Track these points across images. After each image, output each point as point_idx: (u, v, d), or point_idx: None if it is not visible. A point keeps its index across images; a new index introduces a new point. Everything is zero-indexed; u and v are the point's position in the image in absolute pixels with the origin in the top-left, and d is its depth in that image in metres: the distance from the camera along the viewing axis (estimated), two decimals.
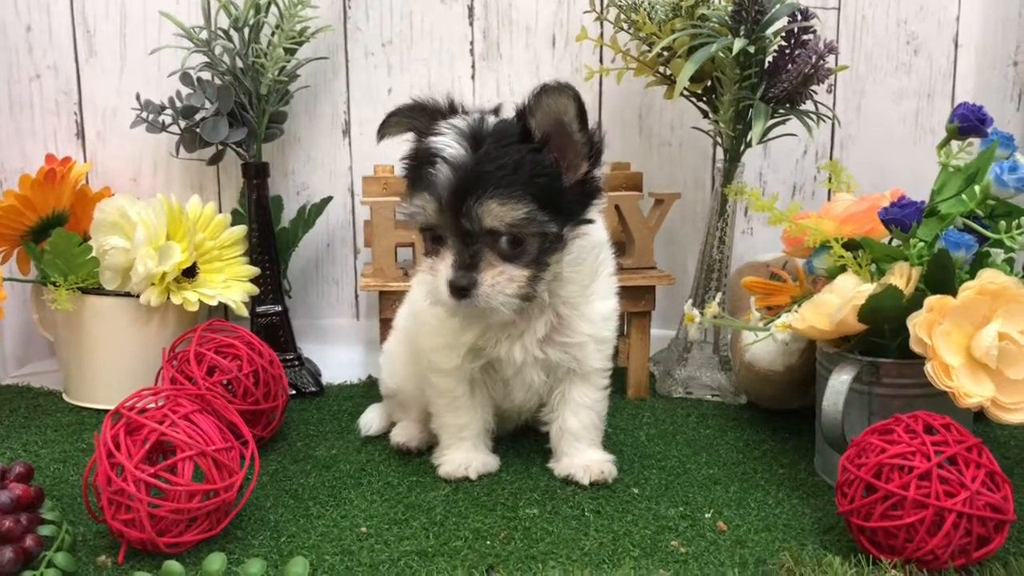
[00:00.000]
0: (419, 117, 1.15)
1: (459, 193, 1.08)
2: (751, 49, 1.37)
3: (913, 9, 1.76)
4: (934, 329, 1.09)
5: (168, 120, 1.55)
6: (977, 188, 1.16)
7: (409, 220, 1.15)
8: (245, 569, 0.94)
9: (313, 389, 1.60)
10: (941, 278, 1.13)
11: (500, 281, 1.10)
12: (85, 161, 1.69)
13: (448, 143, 1.09)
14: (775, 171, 1.80)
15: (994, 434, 1.38)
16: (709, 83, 1.51)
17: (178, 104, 1.54)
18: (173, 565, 0.93)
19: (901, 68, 1.78)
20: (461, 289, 1.10)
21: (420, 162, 1.12)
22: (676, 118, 1.74)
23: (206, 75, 1.56)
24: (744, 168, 1.55)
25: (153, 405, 1.10)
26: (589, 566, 0.98)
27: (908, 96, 1.78)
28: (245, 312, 1.56)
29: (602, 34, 1.64)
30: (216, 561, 0.94)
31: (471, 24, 1.72)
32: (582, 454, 1.25)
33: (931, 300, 1.09)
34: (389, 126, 1.19)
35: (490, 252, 1.11)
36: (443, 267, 1.11)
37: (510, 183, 1.08)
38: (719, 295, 1.48)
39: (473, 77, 1.74)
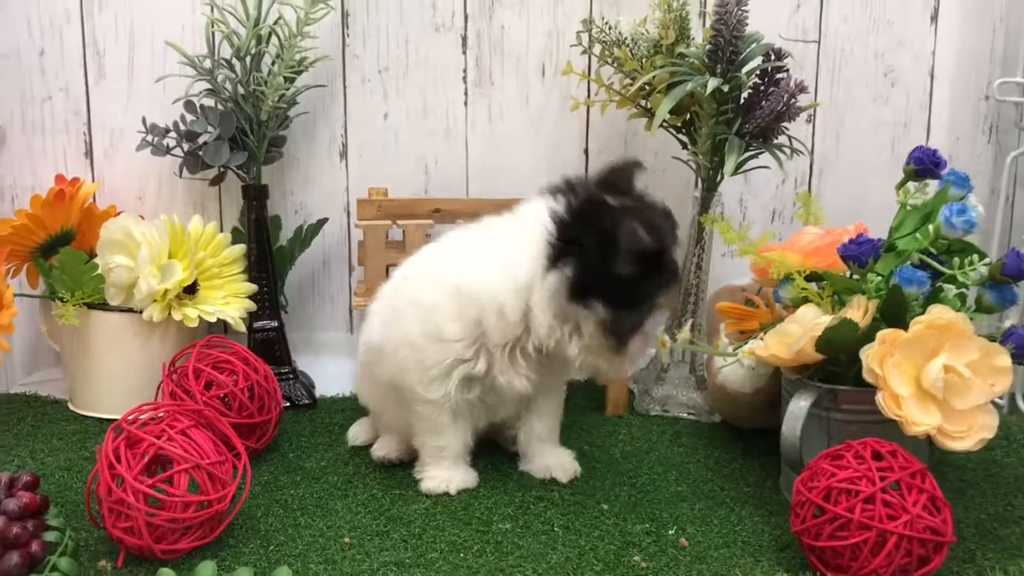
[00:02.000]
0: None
1: None
2: (725, 88, 1.44)
3: (891, 43, 1.83)
4: (885, 360, 1.16)
5: (172, 143, 1.62)
6: (931, 227, 1.23)
7: (654, 310, 1.24)
8: None
9: (306, 401, 1.67)
10: (895, 312, 1.20)
11: None
12: (93, 179, 1.76)
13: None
14: (755, 197, 1.87)
15: (953, 458, 1.44)
16: (688, 116, 1.58)
17: (182, 128, 1.62)
18: (167, 572, 1.00)
19: (879, 99, 1.85)
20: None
21: (662, 257, 1.22)
22: (660, 146, 1.81)
23: (209, 101, 1.63)
24: (721, 196, 1.62)
25: (152, 419, 1.18)
26: None
27: (885, 126, 1.85)
28: (243, 328, 1.63)
29: (589, 67, 1.71)
30: (207, 569, 1.02)
31: (464, 53, 1.80)
32: (551, 454, 1.38)
33: (883, 333, 1.16)
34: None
35: None
36: (642, 338, 1.26)
37: None
38: (691, 321, 1.55)
39: (466, 103, 1.81)
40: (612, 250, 1.16)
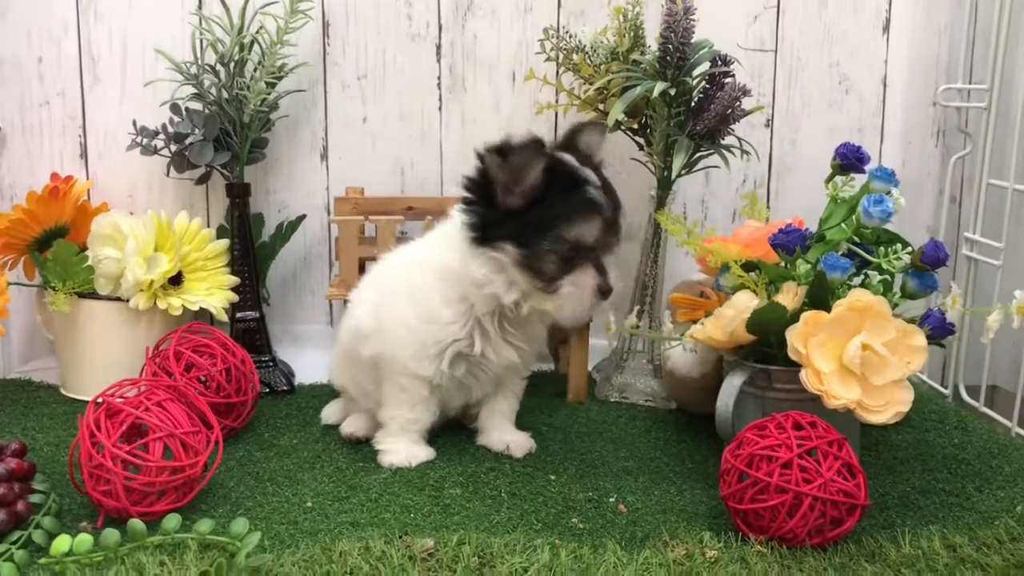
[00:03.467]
0: (535, 152, 1.27)
1: (614, 212, 1.30)
2: (672, 91, 1.54)
3: (844, 52, 1.93)
4: (809, 340, 1.25)
5: (160, 144, 1.73)
6: (854, 217, 1.33)
7: (567, 240, 1.27)
8: (196, 527, 1.11)
9: (285, 388, 1.77)
10: (820, 296, 1.29)
11: (618, 279, 1.33)
12: (88, 179, 1.87)
13: (592, 175, 1.29)
14: (716, 198, 1.97)
15: (889, 437, 1.53)
16: (644, 120, 1.68)
17: (170, 130, 1.72)
18: (137, 523, 1.10)
19: (834, 106, 1.95)
20: (606, 293, 1.30)
21: (566, 190, 1.28)
22: (623, 148, 1.90)
23: (196, 105, 1.74)
24: (675, 195, 1.72)
25: (132, 393, 1.28)
26: (488, 534, 1.14)
27: (840, 131, 1.95)
28: (225, 317, 1.73)
29: (557, 73, 1.82)
30: (172, 520, 1.11)
31: (439, 61, 1.90)
32: (508, 431, 1.48)
33: (807, 315, 1.25)
34: (521, 156, 1.25)
35: (607, 261, 1.32)
36: (588, 278, 1.29)
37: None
38: (636, 308, 1.65)
39: (440, 108, 1.92)
40: (491, 188, 1.28)
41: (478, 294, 1.33)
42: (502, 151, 1.25)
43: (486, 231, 1.29)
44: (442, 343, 1.36)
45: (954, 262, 1.82)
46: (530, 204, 1.27)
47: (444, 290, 1.36)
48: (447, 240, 1.36)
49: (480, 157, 1.28)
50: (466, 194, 1.32)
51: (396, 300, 1.39)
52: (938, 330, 1.29)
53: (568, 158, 1.31)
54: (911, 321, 1.30)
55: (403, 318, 1.37)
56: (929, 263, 1.30)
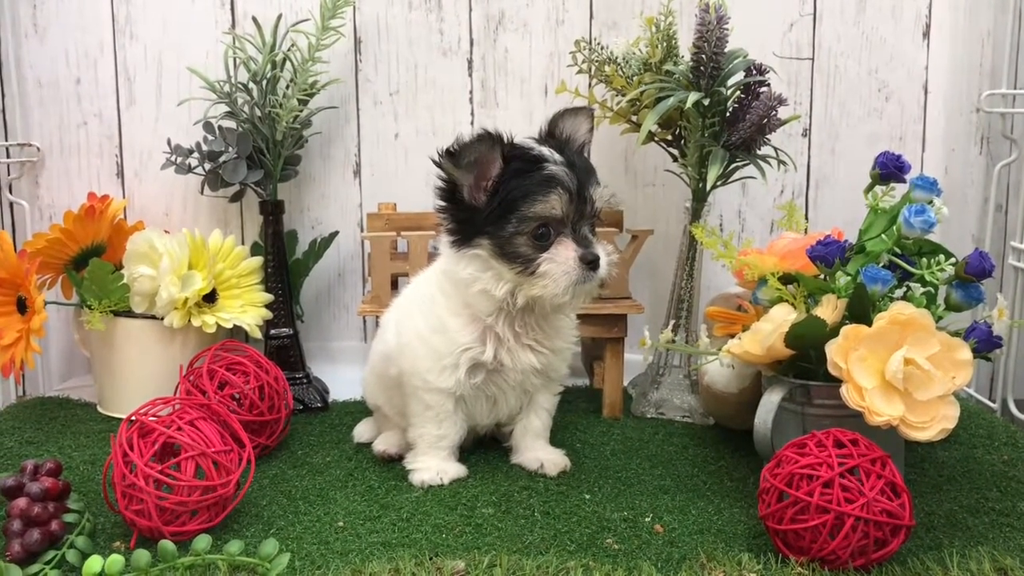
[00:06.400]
0: (487, 144, 1.29)
1: (581, 185, 1.28)
2: (706, 101, 1.51)
3: (884, 59, 1.89)
4: (849, 354, 1.21)
5: (194, 162, 1.74)
6: (895, 228, 1.29)
7: (532, 218, 1.27)
8: (226, 548, 1.10)
9: (318, 405, 1.76)
10: (860, 309, 1.26)
11: (610, 254, 1.32)
12: (124, 198, 1.88)
13: (551, 153, 1.30)
14: (753, 209, 1.94)
15: (936, 456, 1.49)
16: (677, 131, 1.65)
17: (204, 148, 1.73)
18: (167, 544, 1.09)
19: (873, 114, 1.91)
20: (592, 262, 1.28)
21: (522, 171, 1.28)
22: (658, 160, 1.88)
23: (229, 123, 1.75)
24: (711, 207, 1.69)
25: (165, 412, 1.28)
26: (519, 555, 1.12)
27: (880, 139, 1.91)
28: (259, 334, 1.73)
29: (590, 85, 1.80)
30: (202, 541, 1.11)
31: (470, 75, 1.90)
32: (542, 449, 1.46)
33: (846, 329, 1.22)
34: (472, 152, 1.28)
35: (590, 235, 1.31)
36: (567, 250, 1.28)
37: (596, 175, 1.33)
38: (672, 322, 1.62)
39: (472, 123, 1.91)
40: (458, 190, 1.31)
41: (474, 296, 1.34)
42: (452, 152, 1.28)
43: (463, 232, 1.32)
44: (455, 352, 1.36)
45: (1000, 273, 1.78)
46: (495, 194, 1.29)
47: (448, 300, 1.37)
48: (444, 252, 1.38)
49: (436, 164, 1.30)
50: (440, 202, 1.34)
51: (411, 315, 1.42)
52: (984, 343, 1.25)
53: (525, 141, 1.32)
54: (956, 334, 1.26)
55: (417, 332, 1.39)
56: (974, 274, 1.26)
